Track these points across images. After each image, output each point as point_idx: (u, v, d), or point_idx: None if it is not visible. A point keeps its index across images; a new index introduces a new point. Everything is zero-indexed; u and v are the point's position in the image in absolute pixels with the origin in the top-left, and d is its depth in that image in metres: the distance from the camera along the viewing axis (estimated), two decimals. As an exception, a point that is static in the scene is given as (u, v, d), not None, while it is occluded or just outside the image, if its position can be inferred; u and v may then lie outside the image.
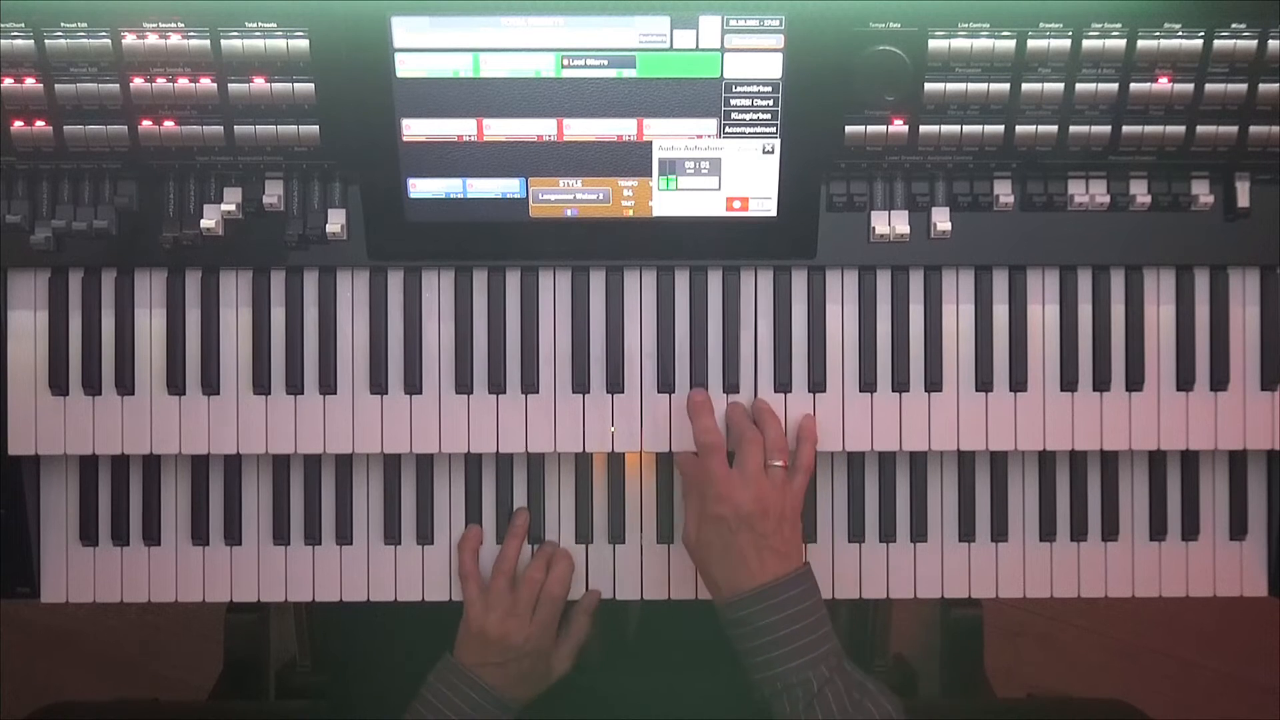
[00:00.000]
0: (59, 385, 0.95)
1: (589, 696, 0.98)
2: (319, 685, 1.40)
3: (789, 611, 0.86)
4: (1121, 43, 0.86)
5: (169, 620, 1.78)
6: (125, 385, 0.95)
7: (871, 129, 0.90)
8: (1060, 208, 0.94)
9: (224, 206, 0.93)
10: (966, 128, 0.90)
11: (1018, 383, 0.96)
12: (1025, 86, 0.88)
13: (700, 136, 0.89)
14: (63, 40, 0.85)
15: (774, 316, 0.97)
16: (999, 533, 1.00)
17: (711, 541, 0.90)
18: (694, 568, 0.94)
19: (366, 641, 1.07)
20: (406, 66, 0.86)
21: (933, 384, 0.96)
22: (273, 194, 0.93)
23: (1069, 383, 0.96)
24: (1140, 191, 0.94)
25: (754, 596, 0.87)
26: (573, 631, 0.99)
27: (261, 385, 0.96)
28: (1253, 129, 0.89)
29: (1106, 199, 0.94)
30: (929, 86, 0.88)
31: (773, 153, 0.90)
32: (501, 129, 0.89)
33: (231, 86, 0.87)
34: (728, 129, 0.89)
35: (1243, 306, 0.96)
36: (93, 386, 0.95)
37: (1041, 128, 0.90)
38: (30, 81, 0.87)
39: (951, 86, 0.88)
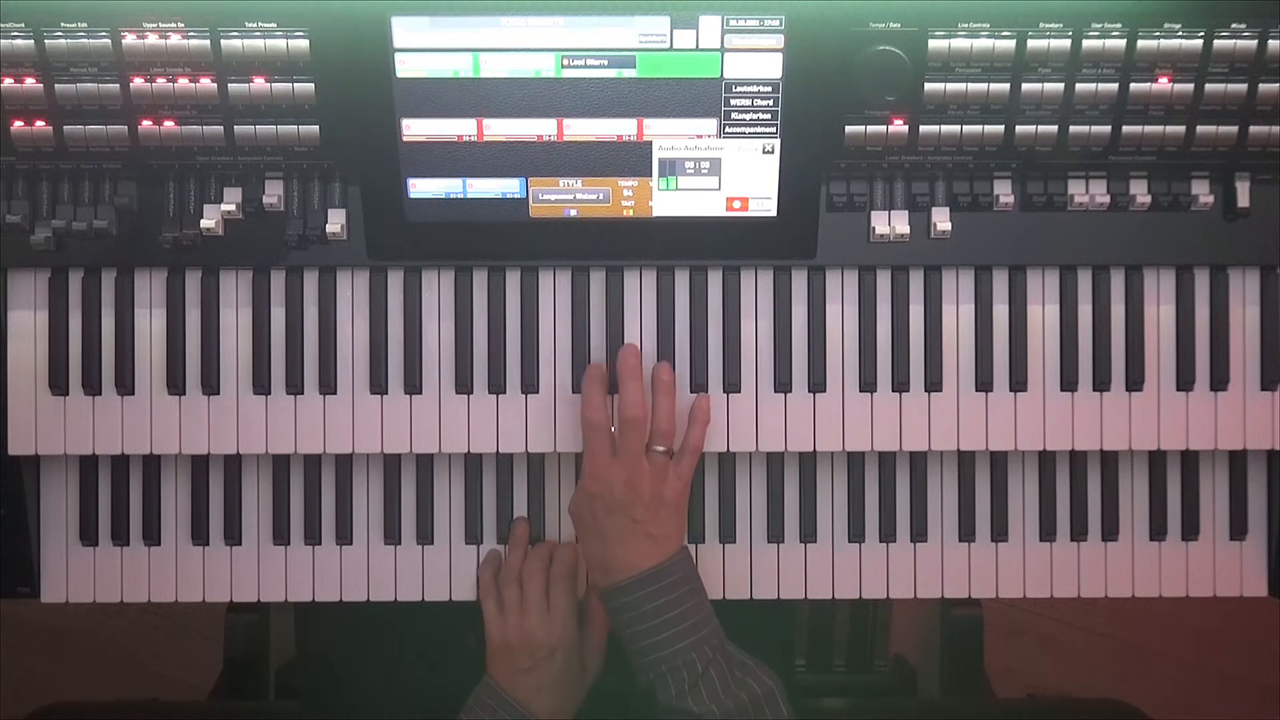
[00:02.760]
0: (59, 385, 0.95)
1: (589, 696, 0.98)
2: (313, 686, 1.40)
3: (670, 596, 0.88)
4: (1121, 43, 0.86)
5: (169, 620, 1.78)
6: (125, 385, 0.95)
7: (871, 129, 0.90)
8: (1060, 208, 0.94)
9: (224, 206, 0.93)
10: (966, 128, 0.90)
11: (1018, 383, 0.96)
12: (1025, 86, 0.88)
13: (700, 136, 0.89)
14: (63, 40, 0.85)
15: (774, 316, 0.97)
16: (999, 533, 1.00)
17: (584, 516, 0.91)
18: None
19: (366, 642, 1.07)
20: (406, 66, 0.86)
21: (933, 384, 0.96)
22: (273, 194, 0.93)
23: (1069, 383, 0.96)
24: (1140, 191, 0.94)
25: (635, 583, 0.88)
26: (595, 620, 0.97)
27: (261, 385, 0.96)
28: (1253, 129, 0.89)
29: (1106, 199, 0.94)
30: (929, 86, 0.88)
31: (773, 153, 0.90)
32: (501, 129, 0.89)
33: (231, 86, 0.87)
34: (728, 129, 0.89)
35: (1243, 306, 0.96)
36: (93, 386, 0.95)
37: (1041, 128, 0.90)
38: (30, 81, 0.87)
39: (951, 86, 0.88)
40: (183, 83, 0.87)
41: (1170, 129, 0.89)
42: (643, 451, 0.90)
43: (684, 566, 0.90)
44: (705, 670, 0.86)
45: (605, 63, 0.86)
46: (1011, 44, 0.86)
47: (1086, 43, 0.86)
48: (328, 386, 0.96)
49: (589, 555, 0.93)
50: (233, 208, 0.93)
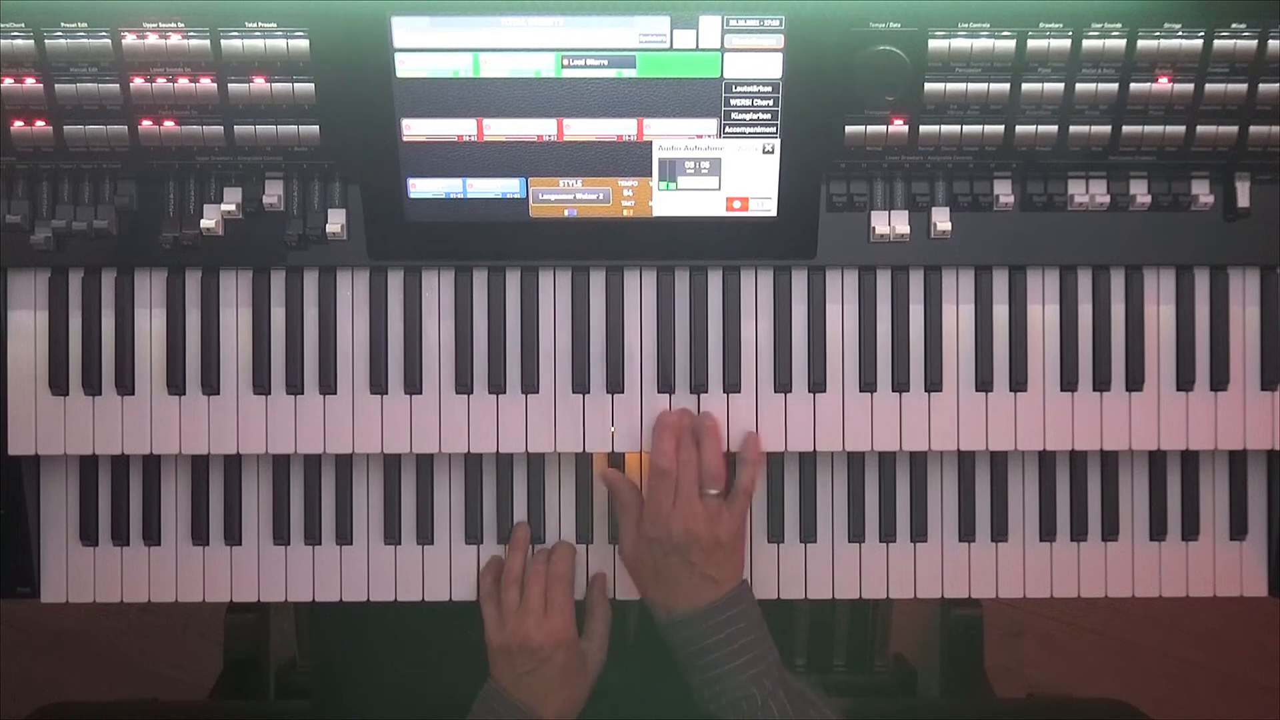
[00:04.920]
0: (59, 385, 0.95)
1: (589, 696, 0.98)
2: (317, 685, 1.40)
3: (730, 630, 0.89)
4: (1121, 43, 0.86)
5: (169, 620, 1.78)
6: (125, 385, 0.95)
7: (871, 129, 0.90)
8: (1060, 208, 0.94)
9: (224, 206, 0.93)
10: (966, 128, 0.90)
11: (1018, 383, 0.96)
12: (1025, 86, 0.88)
13: (700, 136, 0.89)
14: (63, 40, 0.85)
15: (774, 316, 0.97)
16: (999, 533, 1.00)
17: (644, 560, 0.93)
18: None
19: (366, 641, 1.07)
20: (406, 66, 0.86)
21: (933, 384, 0.96)
22: (273, 194, 0.93)
23: (1069, 383, 0.96)
24: (1140, 191, 0.94)
25: (697, 616, 0.89)
26: (595, 614, 0.98)
27: (261, 385, 0.96)
28: (1253, 129, 0.89)
29: (1106, 199, 0.94)
30: (929, 86, 0.88)
31: (773, 153, 0.90)
32: (501, 129, 0.89)
33: (231, 86, 0.87)
34: (728, 129, 0.89)
35: (1243, 306, 0.96)
36: (93, 386, 0.95)
37: (1041, 128, 0.90)
38: (30, 81, 0.87)
39: (951, 86, 0.88)
40: (183, 83, 0.87)
41: (1170, 129, 0.89)
42: (696, 495, 0.91)
43: (744, 599, 0.91)
44: (765, 702, 0.87)
45: (605, 63, 0.86)
46: (1011, 44, 0.86)
47: (1086, 43, 0.86)
48: (328, 386, 0.96)
49: (649, 596, 0.94)
50: (233, 208, 0.93)
